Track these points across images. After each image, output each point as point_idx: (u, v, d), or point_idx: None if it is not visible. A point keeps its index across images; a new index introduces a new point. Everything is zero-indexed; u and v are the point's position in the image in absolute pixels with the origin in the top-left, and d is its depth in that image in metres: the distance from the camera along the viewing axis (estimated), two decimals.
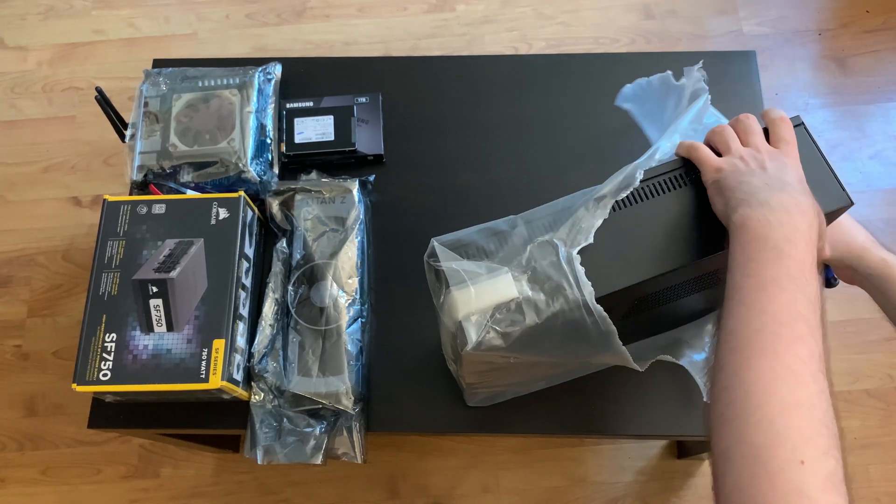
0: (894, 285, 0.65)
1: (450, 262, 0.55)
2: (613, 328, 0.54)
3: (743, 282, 0.49)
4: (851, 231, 0.68)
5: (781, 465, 0.40)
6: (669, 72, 0.75)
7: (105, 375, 0.72)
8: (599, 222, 0.56)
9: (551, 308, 0.54)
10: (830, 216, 0.59)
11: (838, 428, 0.42)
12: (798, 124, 0.61)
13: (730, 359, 0.46)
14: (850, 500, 0.40)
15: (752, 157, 0.56)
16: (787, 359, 0.44)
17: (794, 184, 0.54)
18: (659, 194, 0.59)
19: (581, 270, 0.54)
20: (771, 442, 0.41)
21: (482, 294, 0.54)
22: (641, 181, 0.58)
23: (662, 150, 0.61)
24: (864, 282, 0.68)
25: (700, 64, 0.69)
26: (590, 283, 0.53)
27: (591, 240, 0.55)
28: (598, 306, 0.53)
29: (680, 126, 0.64)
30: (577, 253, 0.55)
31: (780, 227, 0.50)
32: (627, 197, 0.58)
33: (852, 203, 0.59)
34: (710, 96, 0.67)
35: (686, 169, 0.60)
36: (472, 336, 0.54)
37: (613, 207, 0.57)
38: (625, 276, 0.56)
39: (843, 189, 0.59)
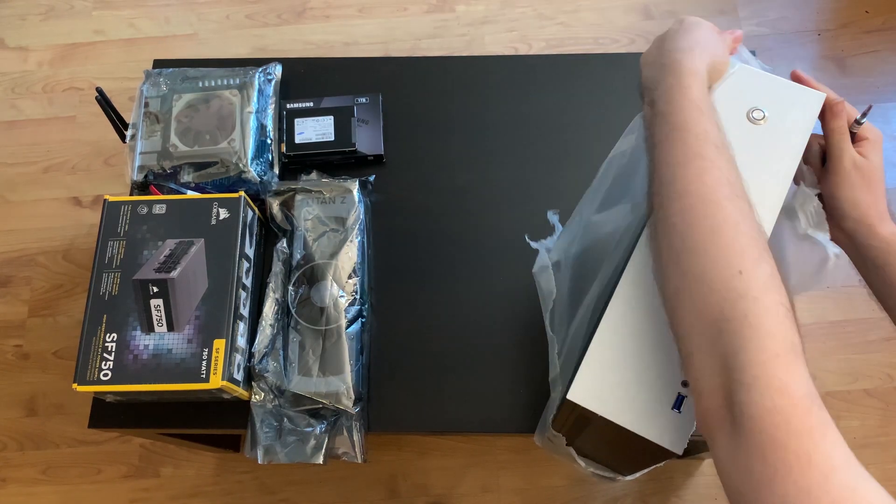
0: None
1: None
2: None
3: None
4: (875, 199, 0.64)
5: (724, 279, 0.46)
6: None
7: (106, 375, 0.73)
8: None
9: None
10: None
11: (765, 240, 0.48)
12: None
13: (661, 213, 0.51)
14: (791, 300, 0.45)
15: None
16: (700, 190, 0.49)
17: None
18: None
19: None
20: (710, 264, 0.47)
21: None
22: None
23: None
24: (856, 250, 0.64)
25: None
26: None
27: None
28: None
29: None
30: None
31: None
32: None
33: None
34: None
35: None
36: None
37: None
38: None
39: None
